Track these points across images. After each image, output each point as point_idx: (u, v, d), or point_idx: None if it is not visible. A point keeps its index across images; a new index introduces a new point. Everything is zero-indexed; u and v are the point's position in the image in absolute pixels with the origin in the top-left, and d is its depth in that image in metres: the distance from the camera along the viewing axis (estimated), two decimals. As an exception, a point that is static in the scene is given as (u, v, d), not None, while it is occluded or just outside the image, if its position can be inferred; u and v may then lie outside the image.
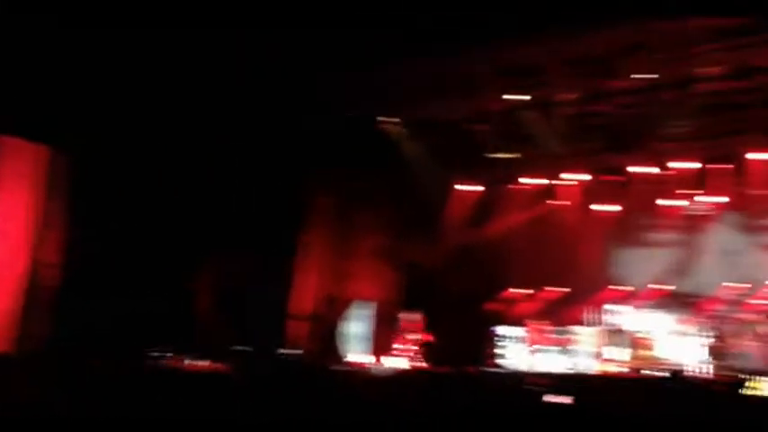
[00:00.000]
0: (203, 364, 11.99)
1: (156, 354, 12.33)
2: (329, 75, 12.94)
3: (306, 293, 15.17)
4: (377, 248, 16.51)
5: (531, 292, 17.10)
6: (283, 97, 13.16)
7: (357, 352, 15.20)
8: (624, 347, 15.47)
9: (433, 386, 6.62)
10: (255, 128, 13.39)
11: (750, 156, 14.26)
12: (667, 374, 12.15)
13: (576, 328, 15.75)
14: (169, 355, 12.29)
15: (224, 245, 14.27)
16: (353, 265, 16.18)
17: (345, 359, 14.91)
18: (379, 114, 14.59)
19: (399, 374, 11.47)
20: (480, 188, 16.99)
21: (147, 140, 12.99)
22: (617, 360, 15.30)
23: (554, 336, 15.85)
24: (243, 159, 13.70)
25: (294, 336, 14.89)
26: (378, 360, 15.01)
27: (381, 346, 15.93)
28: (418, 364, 15.04)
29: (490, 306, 16.66)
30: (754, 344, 13.74)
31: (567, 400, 5.48)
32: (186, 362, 12.11)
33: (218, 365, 11.61)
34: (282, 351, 14.02)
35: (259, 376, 7.97)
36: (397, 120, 14.49)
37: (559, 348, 15.63)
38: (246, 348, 12.62)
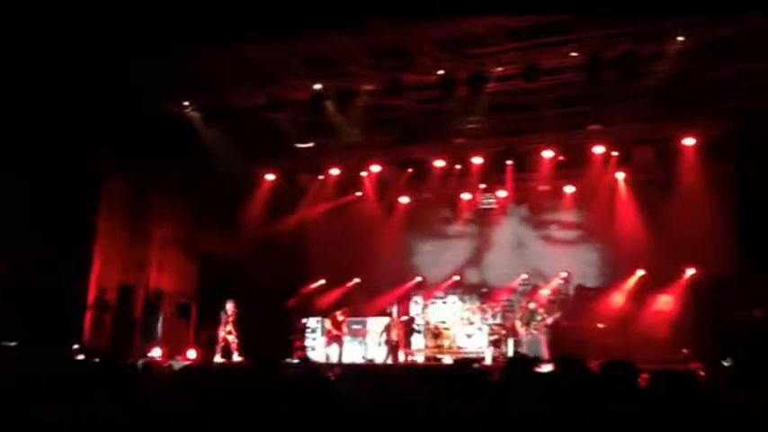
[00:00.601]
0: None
1: None
2: (126, 61, 12.16)
3: (100, 283, 14.17)
4: (175, 238, 15.83)
5: (333, 283, 17.15)
6: (76, 83, 12.21)
7: (155, 346, 14.41)
8: (422, 337, 15.91)
9: (225, 381, 6.24)
10: (44, 113, 12.31)
11: (542, 154, 15.08)
12: (453, 363, 12.56)
13: (376, 319, 15.98)
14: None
15: (7, 234, 13.01)
16: (151, 255, 15.39)
17: (143, 354, 14.09)
18: (179, 100, 13.94)
19: (193, 370, 10.81)
20: (282, 178, 16.76)
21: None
22: (415, 349, 15.69)
23: (354, 327, 15.99)
24: (30, 146, 12.54)
25: (88, 329, 13.85)
26: (179, 354, 14.39)
27: (181, 339, 15.28)
28: (220, 357, 14.61)
29: (293, 298, 16.51)
30: (539, 332, 14.53)
31: (361, 390, 5.34)
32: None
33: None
34: (76, 346, 12.97)
35: (28, 374, 7.15)
36: (196, 106, 13.90)
37: (359, 339, 15.80)
38: (11, 344, 11.49)
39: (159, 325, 15.05)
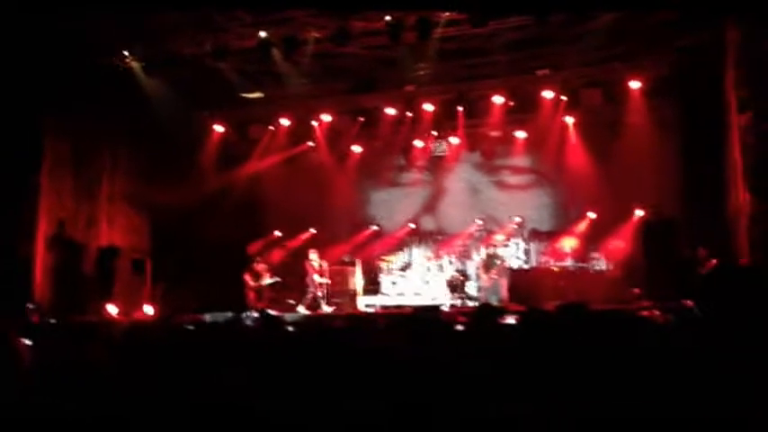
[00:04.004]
0: None
1: None
2: (62, 10, 11.69)
3: (44, 241, 13.86)
4: (125, 192, 15.54)
5: (288, 234, 17.04)
6: (10, 38, 11.74)
7: (110, 303, 14.19)
8: (380, 286, 15.96)
9: (175, 336, 6.16)
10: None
11: (492, 99, 15.09)
12: (414, 311, 12.61)
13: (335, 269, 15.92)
14: None
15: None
16: (101, 211, 15.09)
17: (98, 311, 13.87)
18: (118, 51, 13.50)
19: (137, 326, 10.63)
20: (232, 129, 16.51)
21: None
22: (373, 299, 15.72)
23: (312, 278, 15.87)
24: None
25: (39, 286, 13.58)
26: (135, 311, 14.21)
27: (136, 295, 15.06)
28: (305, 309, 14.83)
29: (248, 250, 16.35)
30: (498, 277, 14.73)
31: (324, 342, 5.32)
32: None
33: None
34: (31, 306, 12.72)
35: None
36: (136, 56, 13.48)
37: (316, 290, 15.69)
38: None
39: (114, 282, 14.81)
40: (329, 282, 15.48)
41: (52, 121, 13.91)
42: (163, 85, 13.90)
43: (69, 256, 14.21)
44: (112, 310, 13.74)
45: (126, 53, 13.48)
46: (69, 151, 14.41)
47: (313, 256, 15.46)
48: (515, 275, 14.73)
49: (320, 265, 15.43)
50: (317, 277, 15.26)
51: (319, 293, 15.26)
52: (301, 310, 14.88)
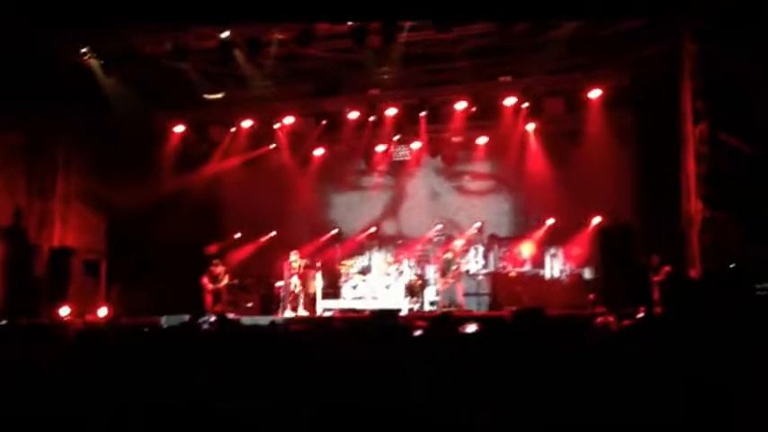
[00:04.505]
0: None
1: None
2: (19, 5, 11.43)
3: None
4: (80, 192, 15.24)
5: (248, 237, 16.89)
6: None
7: (63, 305, 13.90)
8: (340, 289, 15.90)
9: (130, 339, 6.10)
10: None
11: (455, 105, 15.18)
12: (372, 315, 12.61)
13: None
14: None
15: None
16: (53, 209, 14.78)
17: (49, 313, 13.58)
18: (76, 47, 13.24)
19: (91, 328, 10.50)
20: (192, 130, 16.30)
21: None
22: (332, 302, 15.66)
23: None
24: None
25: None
26: (89, 312, 13.95)
27: (90, 297, 14.78)
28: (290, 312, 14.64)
29: (206, 251, 16.16)
30: (453, 281, 14.80)
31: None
32: None
33: None
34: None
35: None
36: (95, 53, 13.23)
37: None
38: None
39: (67, 283, 14.51)
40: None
41: (3, 117, 13.62)
42: (121, 83, 13.69)
43: (21, 251, 13.94)
44: (65, 311, 13.48)
45: (85, 50, 13.23)
46: (22, 147, 14.13)
47: (293, 257, 15.24)
48: (495, 279, 14.93)
49: (299, 267, 15.23)
50: (293, 280, 15.11)
51: (291, 296, 15.10)
52: (289, 312, 14.74)
